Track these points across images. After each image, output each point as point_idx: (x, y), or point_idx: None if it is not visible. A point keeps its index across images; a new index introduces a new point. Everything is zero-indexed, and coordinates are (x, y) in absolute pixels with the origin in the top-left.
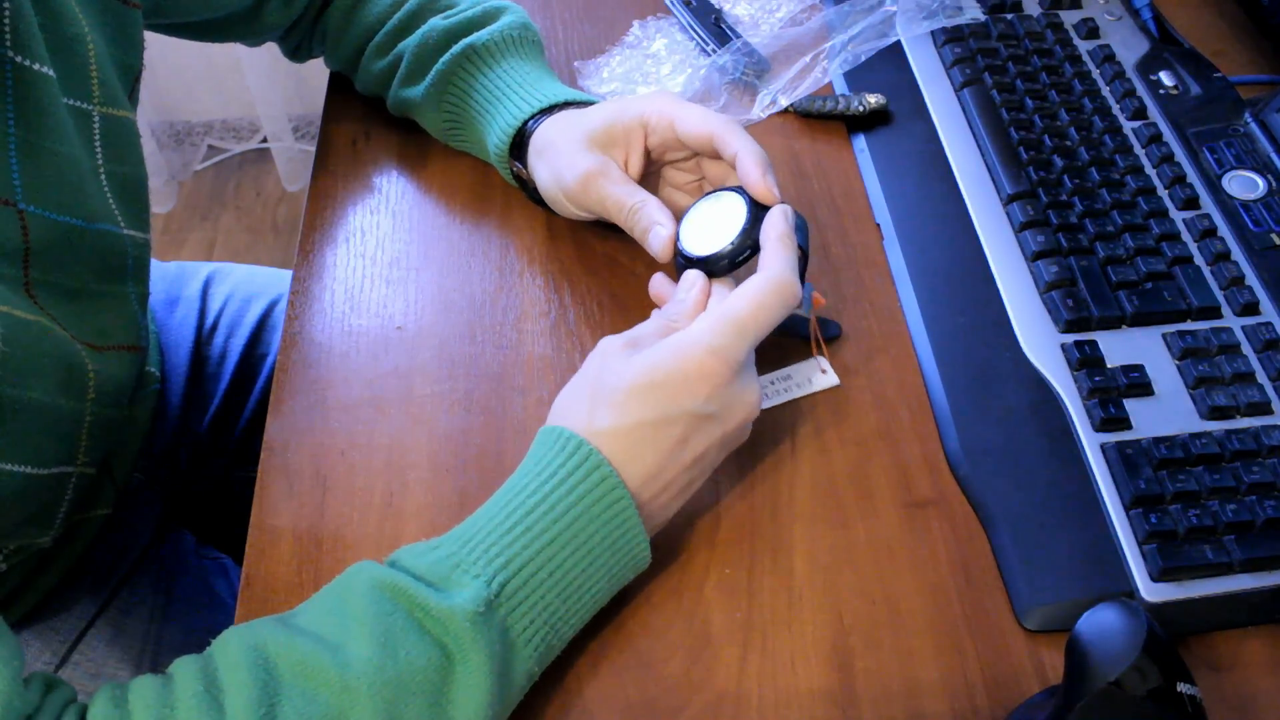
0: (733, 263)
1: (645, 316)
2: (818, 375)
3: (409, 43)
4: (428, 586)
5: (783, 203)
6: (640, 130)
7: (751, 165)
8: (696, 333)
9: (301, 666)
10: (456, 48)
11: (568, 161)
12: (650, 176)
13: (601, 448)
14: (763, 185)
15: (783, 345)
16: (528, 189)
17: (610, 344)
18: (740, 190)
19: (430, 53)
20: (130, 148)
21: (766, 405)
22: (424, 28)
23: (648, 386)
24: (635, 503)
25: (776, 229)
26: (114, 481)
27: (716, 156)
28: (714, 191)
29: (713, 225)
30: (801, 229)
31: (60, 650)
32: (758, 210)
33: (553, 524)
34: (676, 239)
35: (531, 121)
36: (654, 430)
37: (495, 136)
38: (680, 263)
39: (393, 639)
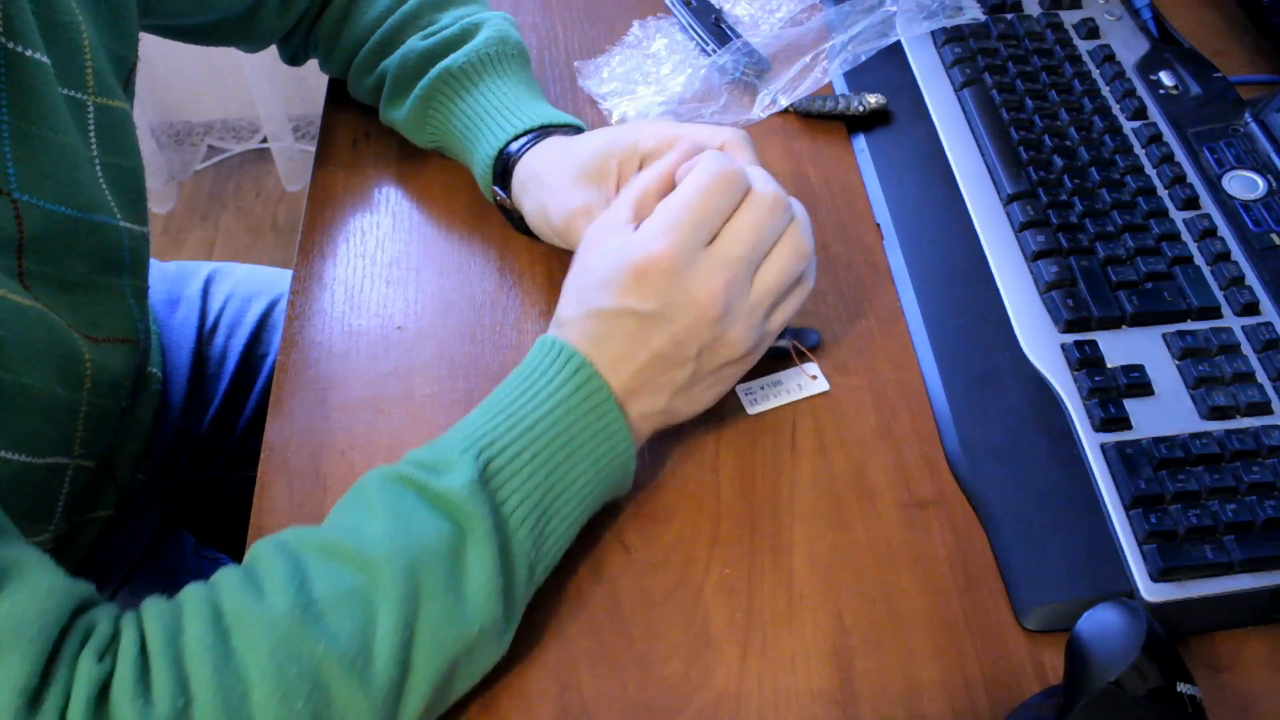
0: None
1: None
2: (807, 381)
3: (390, 62)
4: (427, 471)
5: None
6: (635, 160)
7: None
8: (639, 231)
9: (325, 550)
10: (433, 72)
11: (555, 198)
12: None
13: (569, 337)
14: None
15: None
16: (511, 218)
17: (591, 230)
18: None
19: (409, 75)
20: (126, 139)
21: (754, 410)
22: (403, 48)
23: (599, 282)
24: (609, 386)
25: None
26: (115, 482)
27: None
28: None
29: None
30: None
31: None
32: None
33: (533, 410)
34: None
35: (515, 146)
36: (606, 322)
37: (479, 166)
38: None
39: (403, 515)
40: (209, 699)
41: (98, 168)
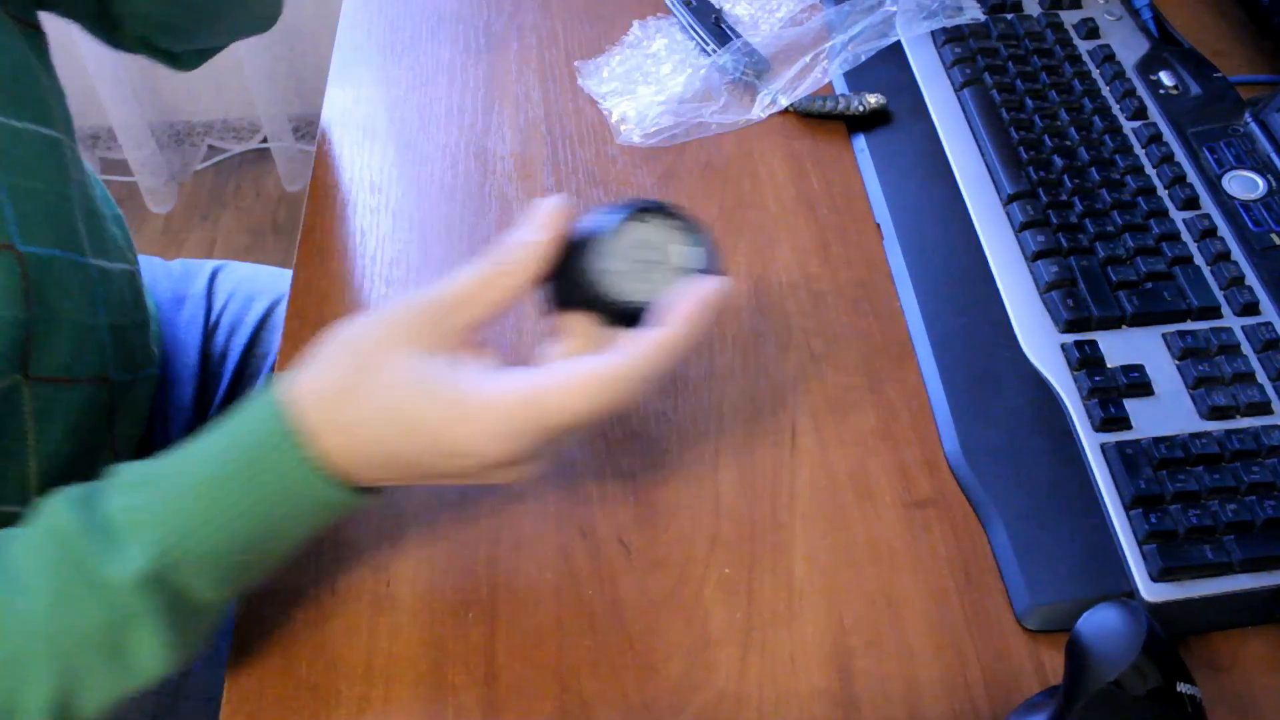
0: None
1: None
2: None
3: None
4: (99, 539)
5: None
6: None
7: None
8: (496, 407)
9: None
10: None
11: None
12: None
13: (330, 445)
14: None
15: None
16: None
17: (409, 312)
18: (672, 216)
19: None
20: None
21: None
22: None
23: (410, 430)
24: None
25: (691, 304)
26: (115, 457)
27: None
28: (627, 207)
29: (638, 256)
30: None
31: None
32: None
33: (239, 502)
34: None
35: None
36: (394, 462)
37: None
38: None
39: (66, 595)
40: None
41: None
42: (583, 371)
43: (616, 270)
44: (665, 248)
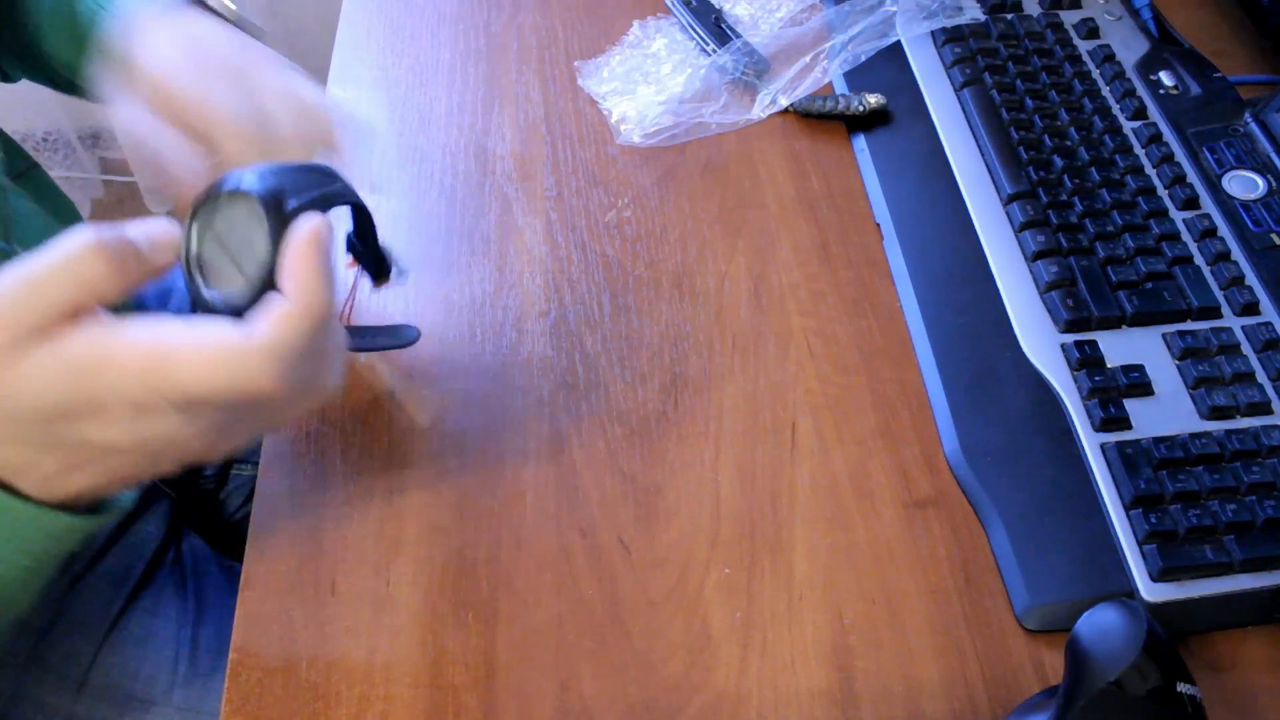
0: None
1: (647, 320)
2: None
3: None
4: None
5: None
6: None
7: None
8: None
9: None
10: None
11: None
12: None
13: None
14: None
15: None
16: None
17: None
18: (262, 183)
19: None
20: None
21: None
22: None
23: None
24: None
25: (296, 269)
26: None
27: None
28: (229, 181)
29: (228, 241)
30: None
31: (89, 653)
32: (284, 230)
33: None
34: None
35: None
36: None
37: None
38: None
39: None
40: None
41: None
42: (216, 337)
43: (205, 266)
44: (250, 227)
